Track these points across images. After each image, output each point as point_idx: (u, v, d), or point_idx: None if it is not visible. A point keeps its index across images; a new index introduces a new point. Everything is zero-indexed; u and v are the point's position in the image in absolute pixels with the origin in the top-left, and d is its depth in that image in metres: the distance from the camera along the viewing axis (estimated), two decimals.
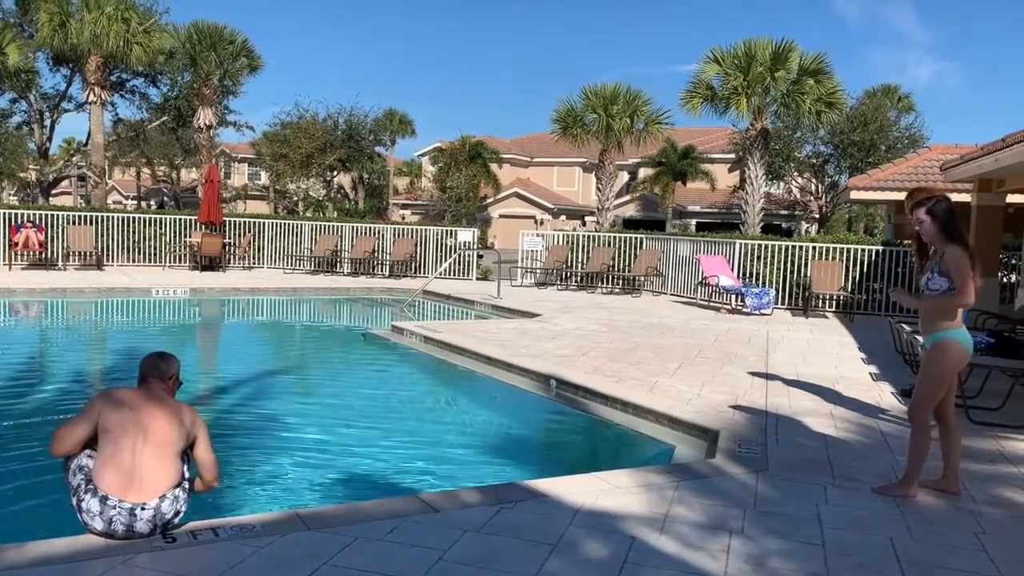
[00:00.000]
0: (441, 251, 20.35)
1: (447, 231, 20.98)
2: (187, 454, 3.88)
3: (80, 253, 18.57)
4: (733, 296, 15.12)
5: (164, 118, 33.90)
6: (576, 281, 19.01)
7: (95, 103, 24.35)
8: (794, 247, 15.72)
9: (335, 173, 41.38)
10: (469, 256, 20.39)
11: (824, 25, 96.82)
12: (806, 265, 15.28)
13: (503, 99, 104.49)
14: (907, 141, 35.46)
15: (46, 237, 18.17)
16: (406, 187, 50.61)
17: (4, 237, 17.92)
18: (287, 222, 21.51)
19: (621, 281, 18.31)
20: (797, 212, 41.91)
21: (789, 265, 15.54)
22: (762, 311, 14.30)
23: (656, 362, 8.92)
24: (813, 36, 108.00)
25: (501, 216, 48.62)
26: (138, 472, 3.61)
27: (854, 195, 19.04)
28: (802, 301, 15.16)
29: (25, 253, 17.99)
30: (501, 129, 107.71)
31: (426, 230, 20.96)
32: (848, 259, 15.09)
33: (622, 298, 16.78)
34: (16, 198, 47.44)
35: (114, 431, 3.67)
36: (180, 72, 29.58)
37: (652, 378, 7.95)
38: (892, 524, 4.28)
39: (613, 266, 18.37)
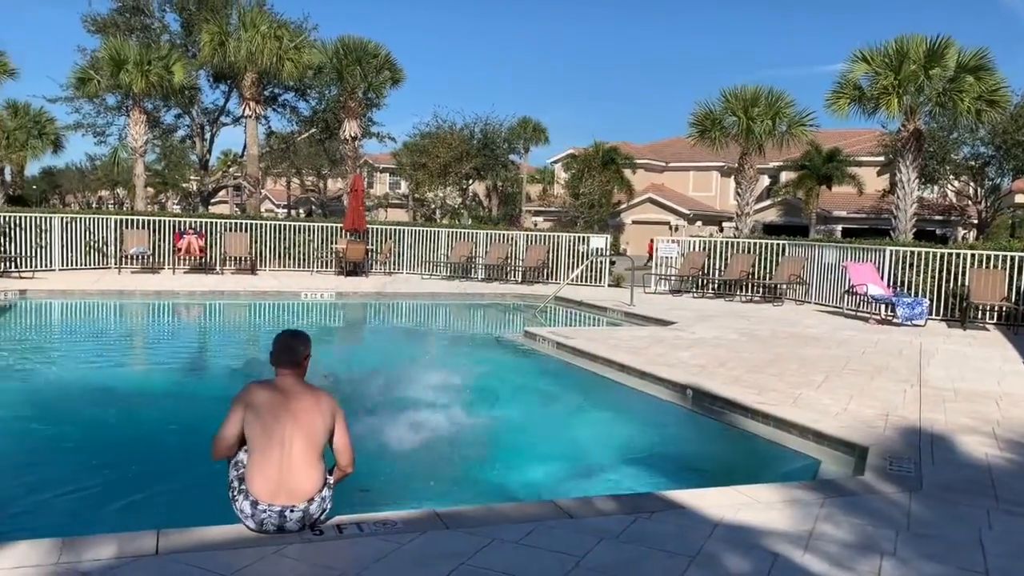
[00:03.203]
0: (573, 257, 20.37)
1: (579, 237, 20.99)
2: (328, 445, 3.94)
3: (236, 258, 19.75)
4: (883, 306, 14.35)
5: (312, 130, 35.54)
6: (713, 289, 18.57)
7: (250, 117, 25.83)
8: (951, 254, 14.76)
9: (471, 181, 42.21)
10: (601, 263, 20.31)
11: (988, 20, 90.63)
12: (964, 274, 14.32)
13: (637, 105, 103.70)
14: None
15: (206, 243, 19.43)
16: (539, 194, 51.01)
17: (169, 243, 19.31)
18: (425, 229, 22.12)
19: (761, 289, 17.74)
20: (953, 217, 39.36)
21: (945, 274, 14.60)
22: (914, 322, 13.50)
23: (799, 374, 8.59)
24: (974, 32, 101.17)
25: (634, 222, 48.16)
26: (286, 481, 3.72)
27: (1020, 199, 17.69)
28: (959, 312, 14.21)
29: (187, 258, 19.30)
30: (635, 134, 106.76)
31: (558, 236, 21.03)
32: (1012, 267, 14.02)
33: (762, 307, 16.25)
34: (179, 207, 51.02)
35: (259, 439, 3.75)
36: (327, 86, 30.95)
37: (795, 390, 7.65)
38: None
39: (753, 273, 17.82)
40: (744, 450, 6.59)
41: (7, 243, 17.66)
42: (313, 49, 25.96)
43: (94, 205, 62.40)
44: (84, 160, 59.40)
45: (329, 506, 3.90)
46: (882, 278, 14.87)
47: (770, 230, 39.39)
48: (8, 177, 35.12)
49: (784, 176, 44.34)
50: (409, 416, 7.06)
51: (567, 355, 10.11)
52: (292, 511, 3.75)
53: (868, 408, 6.97)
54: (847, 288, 15.14)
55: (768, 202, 44.54)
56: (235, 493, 3.81)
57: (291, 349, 3.96)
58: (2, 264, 17.13)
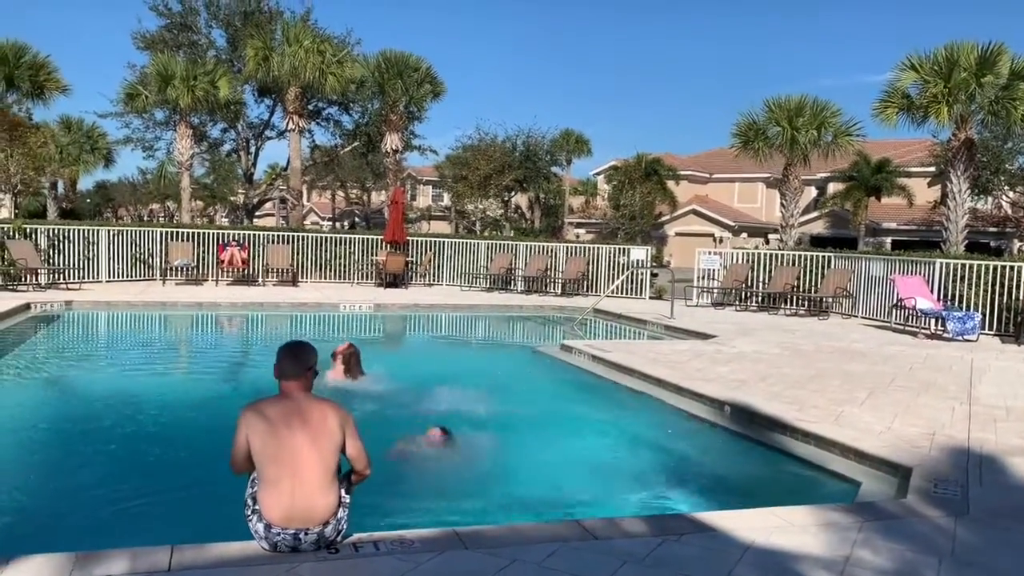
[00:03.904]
0: (613, 270, 20.17)
1: (620, 249, 20.78)
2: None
3: (278, 270, 19.95)
4: (932, 320, 13.92)
5: (355, 144, 35.87)
6: (756, 301, 18.23)
7: (294, 131, 26.16)
8: (1005, 267, 14.26)
9: (512, 193, 42.21)
10: (642, 275, 20.08)
11: None
12: (1019, 287, 13.82)
13: (682, 116, 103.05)
14: None
15: (249, 255, 19.65)
16: (581, 206, 50.83)
17: (213, 255, 19.56)
18: (464, 241, 22.11)
19: (806, 302, 17.36)
20: (1008, 229, 38.23)
21: (998, 287, 14.11)
22: (966, 337, 13.06)
23: (843, 390, 8.31)
24: None
25: (678, 234, 47.71)
26: (299, 506, 3.60)
27: None
28: (1014, 327, 13.71)
29: (230, 270, 19.54)
30: (679, 146, 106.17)
31: (598, 248, 20.86)
32: None
33: (807, 320, 15.88)
34: (227, 220, 51.88)
35: (270, 455, 3.62)
36: (369, 100, 31.22)
37: (837, 407, 7.40)
38: None
39: (797, 286, 17.45)
40: (781, 469, 6.35)
41: (56, 255, 18.06)
42: (355, 63, 26.18)
43: (145, 218, 63.81)
44: (135, 174, 60.88)
45: (344, 527, 3.80)
46: (932, 291, 14.44)
47: (817, 242, 38.65)
48: (60, 191, 35.99)
49: (831, 187, 43.57)
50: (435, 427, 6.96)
51: (604, 368, 9.94)
52: (306, 534, 3.65)
53: (913, 427, 6.70)
54: (895, 302, 14.72)
55: (815, 213, 43.78)
56: (249, 512, 3.73)
57: (297, 360, 3.84)
58: (51, 276, 17.51)
